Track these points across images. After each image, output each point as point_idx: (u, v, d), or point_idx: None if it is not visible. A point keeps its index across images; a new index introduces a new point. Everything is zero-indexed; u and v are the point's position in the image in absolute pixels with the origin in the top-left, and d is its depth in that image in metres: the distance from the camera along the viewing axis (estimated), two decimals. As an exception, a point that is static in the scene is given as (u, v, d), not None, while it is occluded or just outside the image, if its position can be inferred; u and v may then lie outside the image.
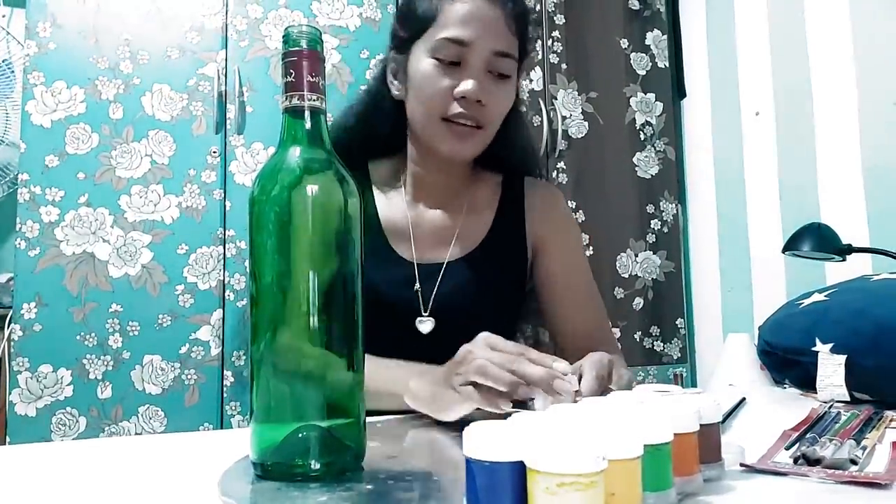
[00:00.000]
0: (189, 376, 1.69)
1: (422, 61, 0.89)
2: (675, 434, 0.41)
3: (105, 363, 1.64)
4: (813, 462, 0.52)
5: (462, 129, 0.89)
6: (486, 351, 0.64)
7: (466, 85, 0.86)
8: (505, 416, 0.40)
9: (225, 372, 1.72)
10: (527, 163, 1.07)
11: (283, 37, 0.53)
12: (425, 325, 0.92)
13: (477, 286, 0.95)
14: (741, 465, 0.52)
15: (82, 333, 1.64)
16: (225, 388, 1.72)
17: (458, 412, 0.66)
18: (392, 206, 0.98)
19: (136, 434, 1.64)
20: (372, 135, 0.99)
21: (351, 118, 1.01)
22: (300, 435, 0.49)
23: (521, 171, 1.05)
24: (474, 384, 0.62)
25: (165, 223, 1.73)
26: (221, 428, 1.69)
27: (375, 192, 0.99)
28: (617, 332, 2.10)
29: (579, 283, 1.01)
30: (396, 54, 0.95)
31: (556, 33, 2.14)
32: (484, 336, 0.66)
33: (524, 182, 1.04)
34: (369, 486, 0.48)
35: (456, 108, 0.88)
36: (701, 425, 0.45)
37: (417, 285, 0.93)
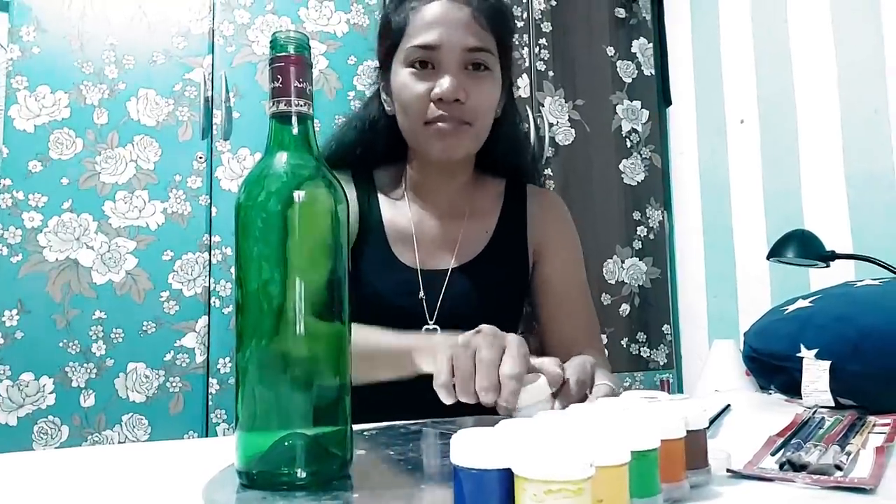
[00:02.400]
0: (174, 384, 1.68)
1: (399, 73, 0.90)
2: (662, 440, 0.41)
3: (88, 371, 1.62)
4: (798, 468, 0.52)
5: (445, 128, 0.89)
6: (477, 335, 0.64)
7: (441, 86, 0.87)
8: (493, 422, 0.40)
9: (210, 379, 1.71)
10: (525, 167, 1.07)
11: (271, 42, 0.53)
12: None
13: (481, 293, 0.95)
14: (727, 470, 0.52)
15: (65, 341, 1.62)
16: (210, 396, 1.70)
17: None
18: (396, 213, 0.99)
19: (120, 443, 1.62)
20: (372, 148, 1.00)
21: (351, 133, 1.01)
22: (286, 443, 0.49)
23: (521, 177, 1.06)
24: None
25: (150, 229, 1.71)
26: (206, 436, 1.68)
27: (380, 198, 1.00)
28: (604, 339, 2.10)
29: (574, 293, 1.01)
30: (382, 72, 0.96)
31: (542, 41, 2.15)
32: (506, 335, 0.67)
33: (527, 189, 1.05)
34: (356, 495, 0.47)
35: (435, 111, 0.88)
36: (688, 431, 0.45)
37: (422, 293, 0.93)
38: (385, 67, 0.95)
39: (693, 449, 0.46)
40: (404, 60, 0.90)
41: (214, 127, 1.79)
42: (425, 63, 0.88)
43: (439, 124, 0.89)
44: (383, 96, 0.97)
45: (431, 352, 0.71)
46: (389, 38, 0.92)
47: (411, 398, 0.86)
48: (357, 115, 1.02)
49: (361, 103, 1.05)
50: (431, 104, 0.88)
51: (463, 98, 0.88)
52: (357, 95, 1.91)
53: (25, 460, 0.65)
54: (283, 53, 0.52)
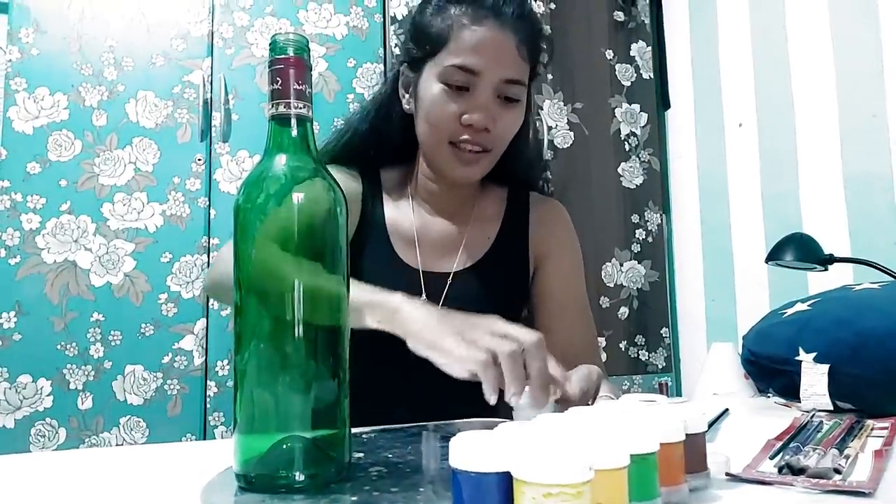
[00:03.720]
0: (172, 386, 1.67)
1: (431, 84, 0.88)
2: (662, 444, 0.41)
3: (86, 373, 1.62)
4: (797, 471, 0.52)
5: (469, 156, 0.89)
6: (523, 335, 0.64)
7: (474, 115, 0.86)
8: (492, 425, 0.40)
9: (208, 382, 1.70)
10: (531, 177, 1.07)
11: (270, 44, 0.53)
12: None
13: (482, 297, 0.95)
14: (726, 474, 0.52)
15: (63, 343, 1.61)
16: (208, 399, 1.70)
17: (453, 367, 0.63)
18: (400, 213, 0.98)
19: (118, 445, 1.61)
20: (383, 142, 0.99)
21: (363, 123, 1.00)
22: (284, 446, 0.49)
23: (525, 184, 1.06)
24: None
25: (149, 231, 1.71)
26: (204, 439, 1.67)
27: (385, 198, 0.99)
28: (602, 342, 2.10)
29: (572, 302, 1.01)
30: (408, 70, 0.94)
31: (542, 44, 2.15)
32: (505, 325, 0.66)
33: (529, 197, 1.05)
34: (354, 498, 0.47)
35: (463, 135, 0.88)
36: (687, 435, 0.45)
37: (424, 295, 0.93)
38: (413, 67, 0.93)
39: (692, 452, 0.46)
40: (440, 76, 0.87)
41: (213, 129, 1.79)
42: (461, 84, 0.87)
43: (463, 149, 0.88)
44: (401, 92, 0.95)
45: (399, 322, 0.69)
46: (428, 42, 0.89)
47: (407, 392, 0.86)
48: (373, 105, 1.00)
49: (376, 92, 1.03)
50: (460, 127, 0.87)
51: (491, 127, 0.88)
52: (356, 98, 1.91)
53: (22, 462, 0.64)
54: (283, 56, 0.52)
